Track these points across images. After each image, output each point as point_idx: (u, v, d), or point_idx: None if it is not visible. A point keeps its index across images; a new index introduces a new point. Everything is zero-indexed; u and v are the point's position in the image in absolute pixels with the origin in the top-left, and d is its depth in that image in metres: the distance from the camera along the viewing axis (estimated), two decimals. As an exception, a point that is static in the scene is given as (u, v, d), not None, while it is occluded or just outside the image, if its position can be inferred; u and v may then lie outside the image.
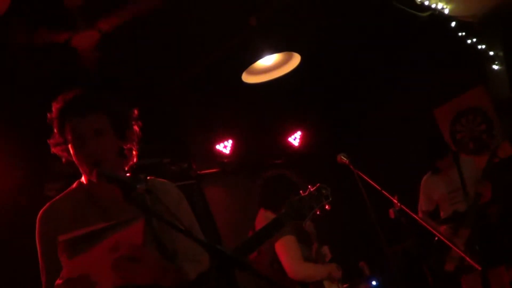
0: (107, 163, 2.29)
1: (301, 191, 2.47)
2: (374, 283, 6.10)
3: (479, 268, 3.59)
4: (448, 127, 7.51)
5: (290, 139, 7.75)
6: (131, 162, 2.47)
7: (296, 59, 4.65)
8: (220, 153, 6.76)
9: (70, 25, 4.03)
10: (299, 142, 7.79)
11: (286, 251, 3.65)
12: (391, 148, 7.34)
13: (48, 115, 2.36)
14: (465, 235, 5.14)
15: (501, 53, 7.01)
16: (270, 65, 4.67)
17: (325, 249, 4.31)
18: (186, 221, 2.56)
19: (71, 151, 2.33)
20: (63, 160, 2.40)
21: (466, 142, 7.22)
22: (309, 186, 2.50)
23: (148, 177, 2.47)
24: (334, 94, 7.20)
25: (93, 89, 2.38)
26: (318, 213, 2.42)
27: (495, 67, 7.08)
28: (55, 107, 2.34)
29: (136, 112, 2.50)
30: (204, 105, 6.27)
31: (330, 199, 2.49)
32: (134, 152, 2.47)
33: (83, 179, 2.45)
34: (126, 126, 2.43)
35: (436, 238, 5.23)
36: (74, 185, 2.48)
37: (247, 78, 4.66)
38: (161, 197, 2.28)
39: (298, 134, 7.78)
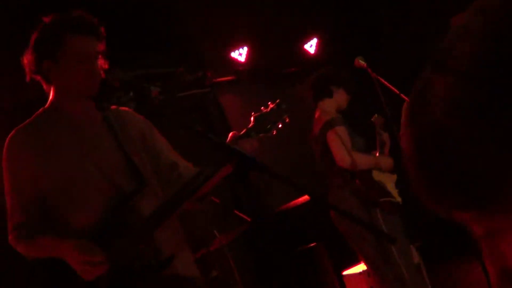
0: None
1: (262, 108, 2.59)
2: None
3: None
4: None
5: (306, 47, 7.61)
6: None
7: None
8: (235, 61, 6.67)
9: None
10: (315, 50, 7.65)
11: (336, 140, 3.88)
12: (410, 53, 7.19)
13: (37, 33, 2.33)
14: None
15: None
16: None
17: (386, 136, 4.25)
18: (164, 145, 2.64)
19: (62, 67, 2.33)
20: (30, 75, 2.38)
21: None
22: (269, 103, 2.61)
23: (111, 107, 2.55)
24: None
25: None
26: (280, 126, 2.56)
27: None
28: (56, 20, 2.32)
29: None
30: (218, 11, 6.12)
31: (289, 113, 2.62)
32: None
33: (53, 101, 2.43)
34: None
35: None
36: (40, 111, 2.46)
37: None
38: (129, 124, 2.43)
39: (314, 41, 7.63)
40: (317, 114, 4.10)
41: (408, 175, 0.58)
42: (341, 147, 3.87)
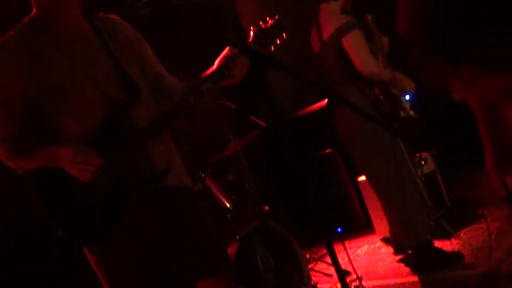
0: None
1: (260, 23, 2.62)
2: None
3: None
4: None
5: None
6: None
7: None
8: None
9: None
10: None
11: (355, 45, 3.73)
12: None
13: None
14: None
15: None
16: None
17: (385, 40, 4.08)
18: (151, 54, 2.60)
19: None
20: None
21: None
22: (268, 18, 2.64)
23: (99, 14, 2.47)
24: None
25: None
26: (278, 42, 2.61)
27: None
28: None
29: None
30: None
31: (287, 30, 2.65)
32: None
33: (37, 9, 2.35)
34: None
35: None
36: (25, 20, 2.37)
37: None
38: (118, 31, 2.40)
39: None
40: (321, 18, 3.86)
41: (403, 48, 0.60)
42: (363, 52, 3.71)
